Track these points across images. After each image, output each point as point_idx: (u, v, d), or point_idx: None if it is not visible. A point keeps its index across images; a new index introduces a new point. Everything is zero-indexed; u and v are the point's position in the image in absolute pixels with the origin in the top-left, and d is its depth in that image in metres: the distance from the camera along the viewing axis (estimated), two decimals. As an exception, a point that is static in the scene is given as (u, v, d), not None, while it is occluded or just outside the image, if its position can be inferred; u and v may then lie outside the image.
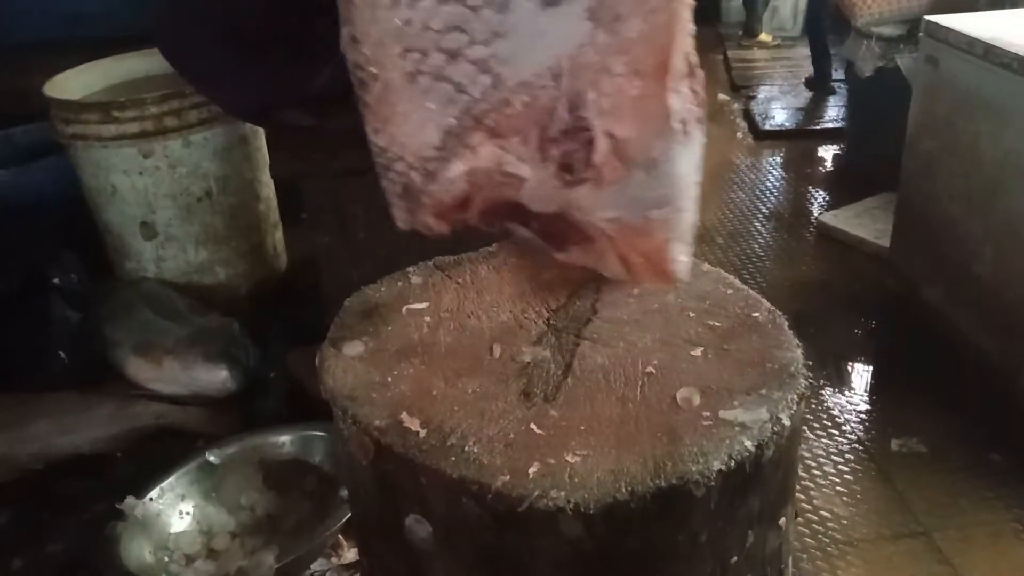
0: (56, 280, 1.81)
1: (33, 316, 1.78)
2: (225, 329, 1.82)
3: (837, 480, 1.82)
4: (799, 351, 0.88)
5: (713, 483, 0.73)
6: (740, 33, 5.31)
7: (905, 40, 3.02)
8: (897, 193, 2.39)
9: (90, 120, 1.85)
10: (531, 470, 0.73)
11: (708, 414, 0.79)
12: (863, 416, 2.02)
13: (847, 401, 2.08)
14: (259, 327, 1.94)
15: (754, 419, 0.77)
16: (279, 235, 2.16)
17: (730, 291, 0.99)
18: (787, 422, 0.78)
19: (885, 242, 2.49)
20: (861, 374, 2.21)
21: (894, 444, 1.91)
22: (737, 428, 0.77)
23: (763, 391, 0.81)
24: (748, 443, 0.75)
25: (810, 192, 3.37)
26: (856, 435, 1.95)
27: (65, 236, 2.01)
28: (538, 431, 0.78)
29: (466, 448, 0.75)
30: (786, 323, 0.92)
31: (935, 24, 2.13)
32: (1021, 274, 1.85)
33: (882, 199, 2.86)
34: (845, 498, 1.78)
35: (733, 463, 0.74)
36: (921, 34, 2.20)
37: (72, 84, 2.03)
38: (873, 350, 2.28)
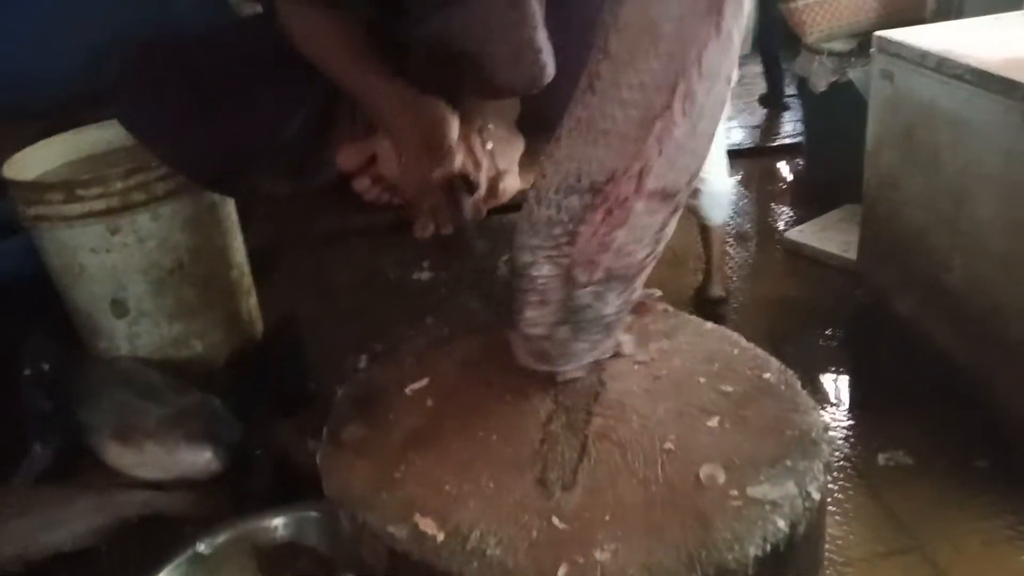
0: (27, 371, 1.74)
1: (4, 410, 1.71)
2: (206, 406, 1.76)
3: (828, 499, 1.80)
4: (816, 414, 0.85)
5: (751, 570, 0.70)
6: None
7: (856, 54, 3.05)
8: (861, 206, 2.39)
9: (53, 200, 1.78)
10: (560, 572, 0.69)
11: (735, 492, 0.76)
12: (847, 432, 2.01)
13: (831, 417, 2.06)
14: (240, 398, 1.88)
15: (783, 495, 0.75)
16: (253, 300, 2.10)
17: (736, 351, 0.97)
18: (816, 495, 0.76)
19: (852, 254, 2.50)
20: (842, 389, 2.20)
21: (881, 458, 1.90)
22: (768, 507, 0.74)
23: (787, 462, 0.79)
24: (781, 522, 0.72)
25: (773, 209, 3.38)
26: (843, 451, 1.94)
27: (33, 319, 1.94)
28: (561, 525, 0.74)
29: (488, 551, 0.72)
30: (799, 383, 0.90)
31: (887, 39, 2.15)
32: (990, 282, 1.86)
33: (845, 211, 2.87)
34: (838, 517, 1.76)
35: (768, 546, 0.71)
36: (873, 49, 2.21)
37: (31, 162, 1.96)
38: (850, 364, 2.28)
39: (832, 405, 2.11)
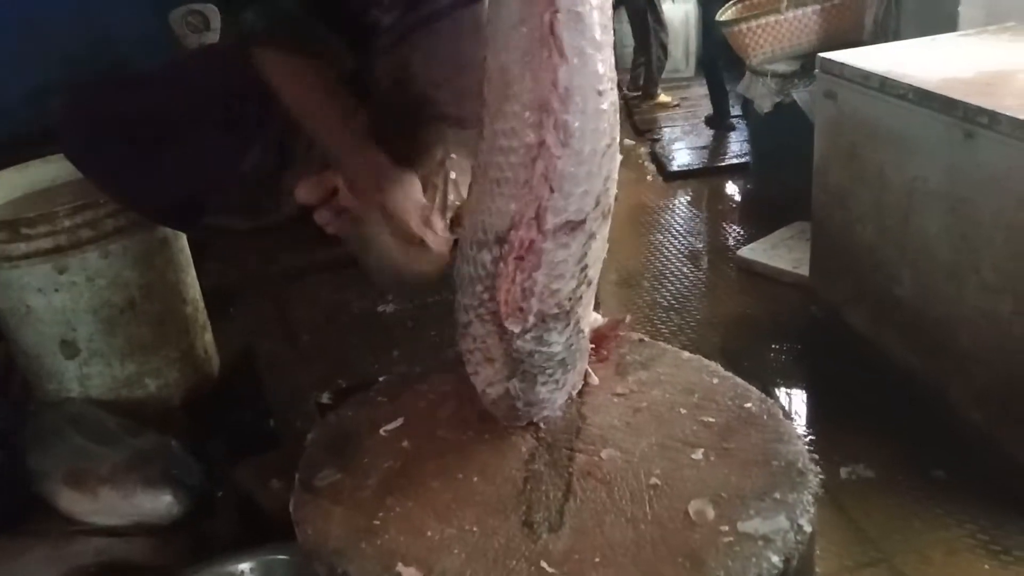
0: (-28, 419, 1.67)
1: (-49, 461, 1.64)
2: (163, 448, 1.70)
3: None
4: (801, 443, 0.85)
5: (747, 610, 0.69)
6: (638, 96, 5.22)
7: (799, 75, 3.14)
8: (811, 223, 2.44)
9: (-3, 240, 1.73)
10: (554, 620, 0.68)
11: (726, 528, 0.75)
12: (809, 447, 2.02)
13: (790, 432, 2.09)
14: (198, 438, 1.83)
15: (775, 529, 0.74)
16: (208, 336, 2.05)
17: (716, 380, 0.96)
18: (808, 528, 0.75)
19: (803, 271, 2.55)
20: (800, 404, 2.24)
21: (843, 472, 1.93)
22: (760, 542, 0.73)
23: (776, 495, 0.78)
24: (774, 558, 0.72)
25: (724, 228, 3.44)
26: (804, 466, 1.96)
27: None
28: (550, 569, 0.73)
29: (478, 601, 0.70)
30: (781, 411, 0.90)
31: (830, 60, 2.21)
32: (938, 293, 1.92)
33: (795, 228, 2.93)
34: (806, 533, 1.77)
35: (763, 583, 0.70)
36: (817, 71, 2.27)
37: (-28, 201, 1.90)
38: (807, 378, 2.32)
39: (791, 420, 2.13)
